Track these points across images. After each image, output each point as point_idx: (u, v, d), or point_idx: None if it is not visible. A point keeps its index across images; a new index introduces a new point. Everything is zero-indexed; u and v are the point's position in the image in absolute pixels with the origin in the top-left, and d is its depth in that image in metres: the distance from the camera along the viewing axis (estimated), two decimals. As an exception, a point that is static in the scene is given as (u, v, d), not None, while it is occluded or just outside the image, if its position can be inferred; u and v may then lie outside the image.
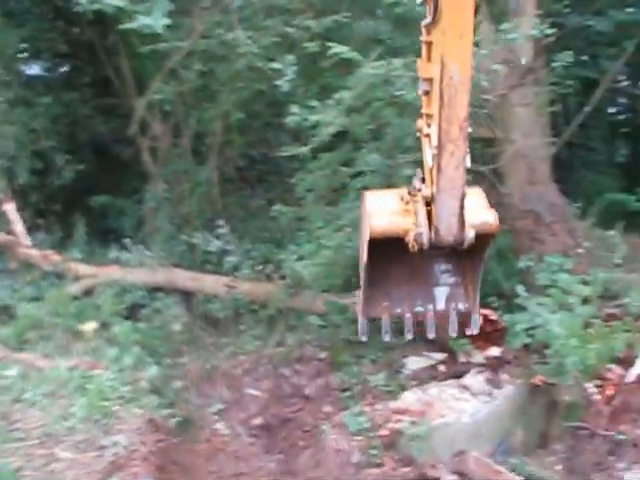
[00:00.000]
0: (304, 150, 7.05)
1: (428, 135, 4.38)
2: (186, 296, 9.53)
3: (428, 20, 3.92)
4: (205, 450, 7.05)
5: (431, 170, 4.35)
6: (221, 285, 9.31)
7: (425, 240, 4.41)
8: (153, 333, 8.48)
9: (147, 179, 11.09)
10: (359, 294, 5.13)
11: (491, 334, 7.81)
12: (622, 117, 15.82)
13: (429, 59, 4.23)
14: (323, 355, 8.27)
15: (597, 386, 6.74)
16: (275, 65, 7.02)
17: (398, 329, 4.76)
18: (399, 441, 6.25)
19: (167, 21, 6.86)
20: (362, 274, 4.98)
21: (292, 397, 7.85)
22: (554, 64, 8.25)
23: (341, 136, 7.51)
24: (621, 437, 6.20)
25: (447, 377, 7.59)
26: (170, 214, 10.43)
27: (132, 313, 8.83)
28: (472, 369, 7.25)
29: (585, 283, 7.40)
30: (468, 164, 4.20)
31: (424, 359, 8.04)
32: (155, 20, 6.74)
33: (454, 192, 4.32)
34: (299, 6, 8.14)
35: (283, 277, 8.81)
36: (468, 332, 5.17)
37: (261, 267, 9.32)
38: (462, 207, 4.38)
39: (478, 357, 7.84)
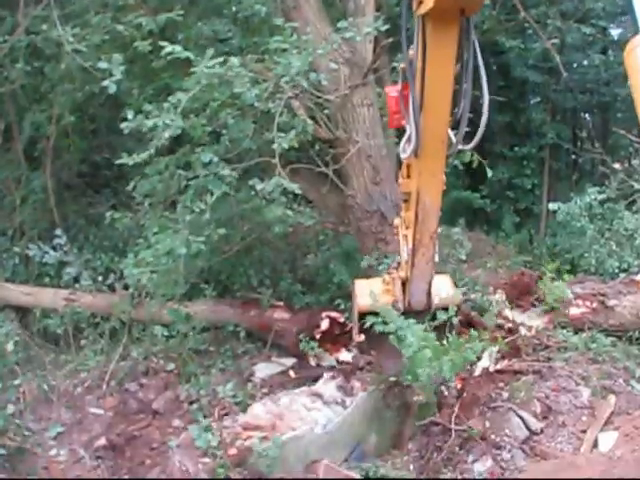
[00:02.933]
0: (140, 158, 6.67)
1: (405, 236, 5.85)
2: (21, 312, 8.94)
3: (409, 154, 4.82)
4: (42, 480, 6.54)
5: (406, 262, 5.86)
6: (60, 299, 8.79)
7: (400, 308, 6.14)
8: (-19, 355, 7.81)
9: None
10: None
11: (339, 336, 7.80)
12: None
13: (408, 176, 5.42)
14: (170, 367, 7.97)
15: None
16: (102, 65, 6.60)
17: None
18: (249, 458, 5.99)
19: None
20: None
21: (139, 413, 7.47)
22: (395, 64, 8.37)
23: (180, 139, 7.23)
24: (470, 430, 6.29)
25: (298, 382, 7.51)
26: (1, 225, 9.70)
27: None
28: (324, 375, 7.10)
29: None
30: (436, 259, 5.81)
31: (274, 365, 7.93)
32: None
33: (424, 279, 5.92)
34: (132, 3, 7.75)
35: (126, 287, 8.41)
36: None
37: (102, 278, 8.88)
38: (430, 287, 6.04)
39: (328, 360, 7.81)
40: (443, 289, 6.39)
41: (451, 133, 4.82)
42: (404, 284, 6.16)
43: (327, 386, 6.80)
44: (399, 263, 6.30)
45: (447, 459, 6.20)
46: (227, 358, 8.04)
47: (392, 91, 5.11)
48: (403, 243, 5.97)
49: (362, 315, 6.40)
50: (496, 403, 6.47)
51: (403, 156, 5.11)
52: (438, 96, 4.43)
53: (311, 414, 6.35)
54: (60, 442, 7.02)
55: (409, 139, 4.79)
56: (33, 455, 6.72)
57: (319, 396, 6.62)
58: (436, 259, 5.84)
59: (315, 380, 7.43)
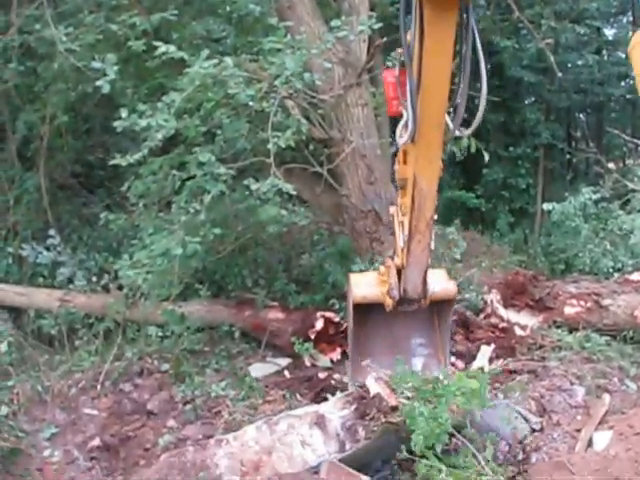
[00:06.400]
0: (133, 159, 6.64)
1: (402, 222, 5.65)
2: (15, 313, 8.90)
3: (406, 140, 4.73)
4: (36, 482, 6.51)
5: (402, 248, 5.70)
6: (54, 299, 8.77)
7: (396, 295, 5.98)
8: (-26, 355, 7.80)
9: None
10: (348, 365, 6.88)
11: (334, 336, 7.79)
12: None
13: (405, 162, 5.29)
14: (165, 367, 7.95)
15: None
16: (95, 64, 6.57)
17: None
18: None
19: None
20: (350, 347, 6.60)
21: (133, 414, 7.43)
22: (389, 63, 8.36)
23: (174, 139, 7.21)
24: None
25: (294, 382, 7.47)
26: (-6, 225, 9.71)
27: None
28: (339, 395, 6.37)
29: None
30: (432, 247, 5.69)
31: (269, 365, 7.90)
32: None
33: (420, 267, 5.78)
34: (125, 2, 7.72)
35: (121, 288, 8.40)
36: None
37: (96, 278, 8.86)
38: (425, 274, 5.90)
39: (323, 361, 7.80)
40: (439, 282, 6.23)
41: (448, 119, 4.71)
42: (399, 272, 5.98)
43: (336, 415, 5.92)
44: (394, 253, 6.15)
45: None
46: (222, 358, 8.00)
47: (389, 76, 5.01)
48: (399, 230, 5.80)
49: (357, 307, 6.27)
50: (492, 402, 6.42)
51: (400, 142, 4.96)
52: (436, 81, 4.29)
53: (304, 454, 5.69)
54: (54, 443, 6.98)
55: (406, 124, 4.67)
56: (27, 456, 6.69)
57: (322, 427, 5.82)
58: (432, 247, 5.71)
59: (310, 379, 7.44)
